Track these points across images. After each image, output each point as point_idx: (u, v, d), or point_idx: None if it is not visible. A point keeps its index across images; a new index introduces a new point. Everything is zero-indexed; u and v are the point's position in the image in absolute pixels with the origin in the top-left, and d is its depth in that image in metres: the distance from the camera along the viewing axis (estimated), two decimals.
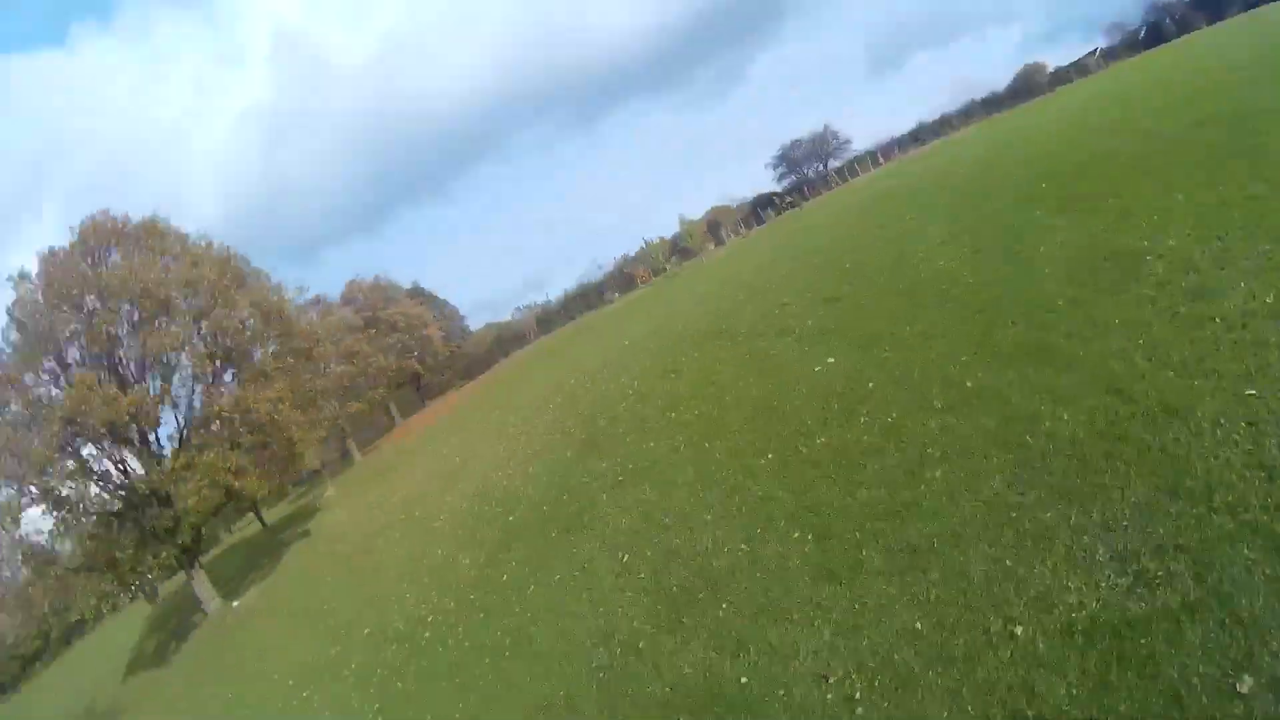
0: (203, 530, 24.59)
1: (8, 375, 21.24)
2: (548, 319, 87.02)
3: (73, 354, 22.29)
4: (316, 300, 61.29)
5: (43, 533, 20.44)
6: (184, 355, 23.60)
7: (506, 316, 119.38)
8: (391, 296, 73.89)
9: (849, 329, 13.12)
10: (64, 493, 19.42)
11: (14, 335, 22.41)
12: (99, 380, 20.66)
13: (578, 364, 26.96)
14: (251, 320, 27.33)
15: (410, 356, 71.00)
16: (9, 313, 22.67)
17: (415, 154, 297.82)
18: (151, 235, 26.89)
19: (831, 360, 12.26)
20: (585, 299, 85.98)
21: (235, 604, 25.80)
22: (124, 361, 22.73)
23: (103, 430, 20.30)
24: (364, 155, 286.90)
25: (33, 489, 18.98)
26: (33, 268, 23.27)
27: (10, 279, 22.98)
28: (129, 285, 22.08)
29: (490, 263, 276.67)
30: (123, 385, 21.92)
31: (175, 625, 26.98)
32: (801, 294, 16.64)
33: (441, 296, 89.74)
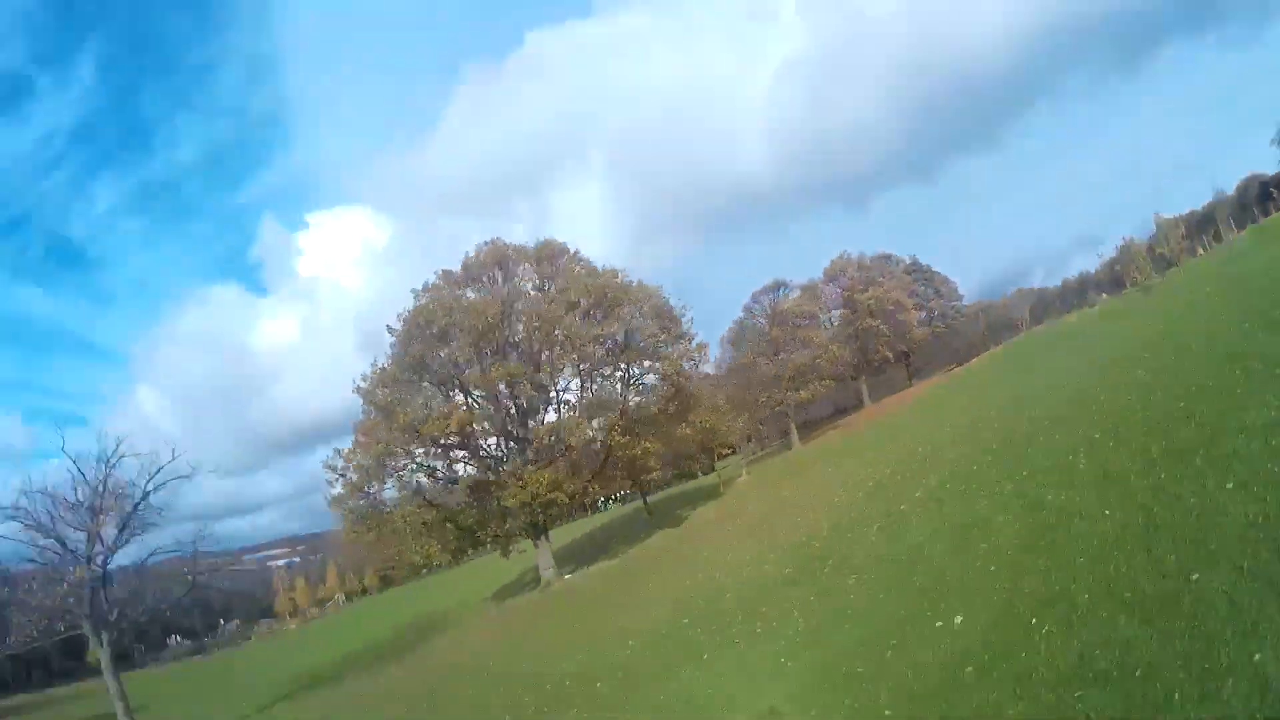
0: (541, 514, 30.37)
1: (382, 377, 29.81)
2: (1044, 304, 73.83)
3: (426, 371, 29.77)
4: (776, 285, 64.66)
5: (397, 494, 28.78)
6: (522, 383, 29.20)
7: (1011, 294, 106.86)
8: (874, 279, 72.20)
9: (1058, 563, 8.25)
10: (404, 475, 27.22)
11: (395, 345, 30.60)
12: (444, 398, 27.69)
13: (942, 424, 25.51)
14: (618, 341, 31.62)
15: (882, 341, 69.04)
16: (388, 328, 31.02)
17: (961, 100, 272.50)
18: (546, 257, 33.31)
19: (959, 620, 8.21)
20: (1082, 290, 70.17)
21: (566, 576, 31.58)
22: (464, 384, 29.45)
23: (434, 439, 27.48)
24: (909, 102, 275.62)
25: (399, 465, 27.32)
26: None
27: (413, 291, 31.51)
28: (477, 319, 28.36)
29: (1041, 215, 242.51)
30: (460, 400, 28.61)
31: (529, 579, 34.58)
32: (1132, 429, 11.47)
33: (942, 273, 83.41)
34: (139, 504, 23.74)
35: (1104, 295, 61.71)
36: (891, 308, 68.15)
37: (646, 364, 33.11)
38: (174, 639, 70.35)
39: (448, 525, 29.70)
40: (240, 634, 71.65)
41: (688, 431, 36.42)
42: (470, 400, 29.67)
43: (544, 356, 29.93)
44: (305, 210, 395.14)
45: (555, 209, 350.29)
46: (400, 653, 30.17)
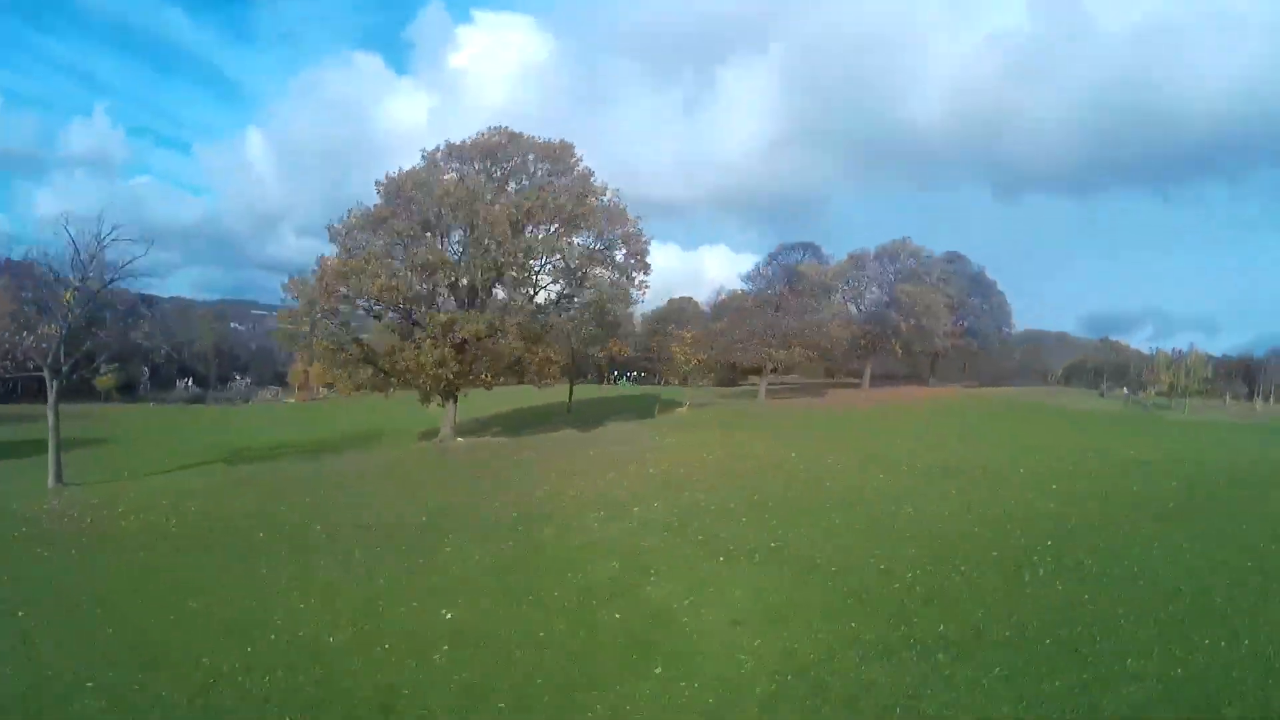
0: (445, 381, 33.75)
1: (355, 222, 32.71)
2: (1088, 367, 70.95)
3: (383, 232, 32.44)
4: (804, 247, 64.20)
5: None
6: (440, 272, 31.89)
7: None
8: (923, 275, 70.63)
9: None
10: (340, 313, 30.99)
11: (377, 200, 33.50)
12: (389, 261, 30.50)
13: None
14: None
15: (898, 339, 68.38)
16: (376, 183, 33.86)
17: (1142, 139, 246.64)
18: (550, 156, 35.07)
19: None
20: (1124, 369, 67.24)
21: (459, 439, 35.50)
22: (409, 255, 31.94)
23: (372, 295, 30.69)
24: (1100, 123, 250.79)
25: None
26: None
27: (422, 151, 34.26)
28: (436, 201, 30.69)
29: (1176, 280, 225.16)
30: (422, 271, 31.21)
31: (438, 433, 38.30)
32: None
33: (1001, 290, 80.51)
34: (101, 289, 27.27)
35: (1123, 390, 58.69)
36: (921, 310, 66.93)
37: (589, 286, 35.60)
38: (187, 383, 76.81)
39: (363, 364, 33.41)
40: (243, 394, 76.75)
41: (604, 352, 39.49)
42: (407, 269, 32.18)
43: (486, 252, 32.18)
44: (473, 4, 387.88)
45: (718, 87, 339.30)
46: (317, 455, 34.39)
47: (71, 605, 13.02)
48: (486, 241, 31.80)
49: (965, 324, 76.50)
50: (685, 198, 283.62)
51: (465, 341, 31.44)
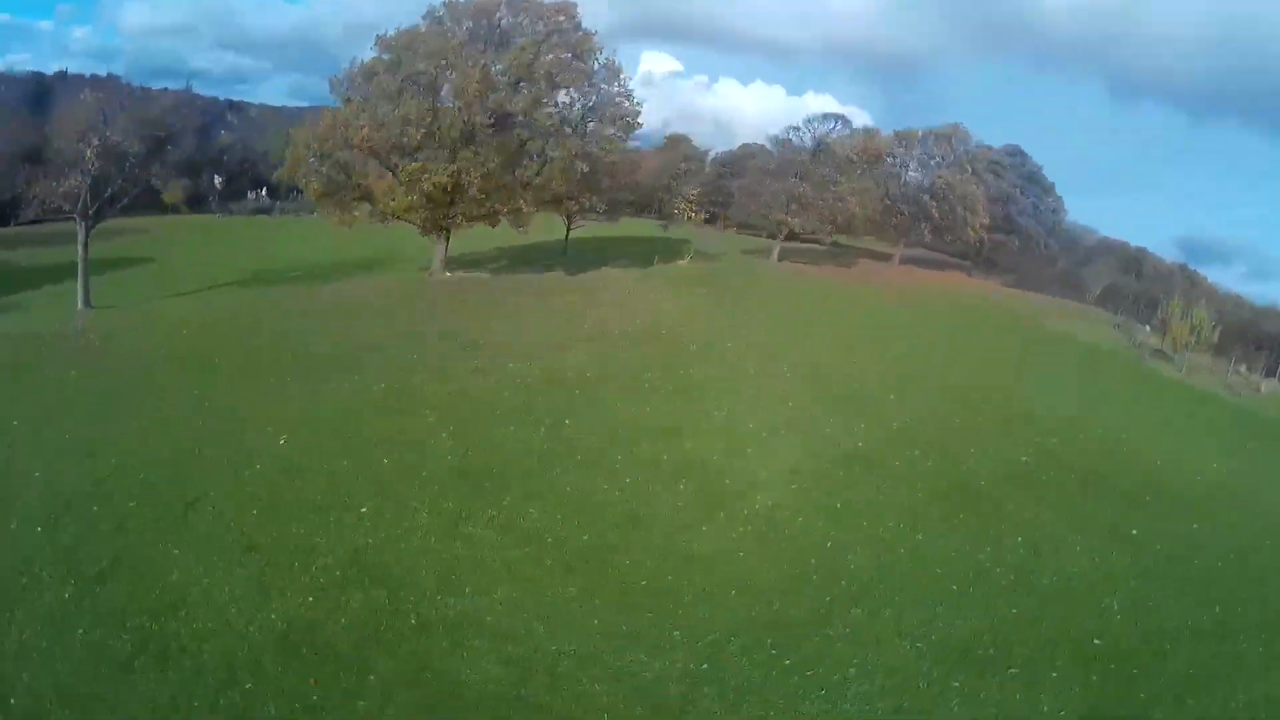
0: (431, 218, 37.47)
1: (354, 75, 35.35)
2: (1133, 290, 67.21)
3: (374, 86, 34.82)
4: (833, 117, 62.29)
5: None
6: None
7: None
8: (968, 163, 67.65)
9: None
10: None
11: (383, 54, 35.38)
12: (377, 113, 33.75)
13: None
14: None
15: (928, 223, 67.15)
16: (377, 38, 35.30)
17: (1271, 79, 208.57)
18: (546, 15, 36.39)
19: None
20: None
21: (446, 275, 38.97)
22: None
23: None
24: (1225, 50, 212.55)
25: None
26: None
27: (430, 4, 35.71)
28: (419, 61, 33.21)
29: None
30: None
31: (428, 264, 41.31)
32: None
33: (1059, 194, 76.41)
34: (122, 141, 31.27)
35: (1145, 328, 52.47)
36: (957, 199, 64.98)
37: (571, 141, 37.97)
38: (259, 193, 77.24)
39: (360, 202, 37.67)
40: (309, 206, 78.82)
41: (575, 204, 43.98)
42: (394, 122, 34.53)
43: (459, 110, 34.57)
44: None
45: None
46: (327, 280, 38.54)
47: (51, 416, 16.79)
48: (459, 101, 33.99)
49: (1019, 220, 73.97)
50: (794, 39, 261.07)
51: (447, 188, 34.54)
